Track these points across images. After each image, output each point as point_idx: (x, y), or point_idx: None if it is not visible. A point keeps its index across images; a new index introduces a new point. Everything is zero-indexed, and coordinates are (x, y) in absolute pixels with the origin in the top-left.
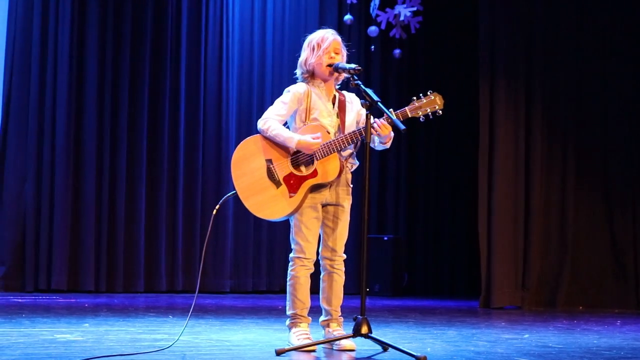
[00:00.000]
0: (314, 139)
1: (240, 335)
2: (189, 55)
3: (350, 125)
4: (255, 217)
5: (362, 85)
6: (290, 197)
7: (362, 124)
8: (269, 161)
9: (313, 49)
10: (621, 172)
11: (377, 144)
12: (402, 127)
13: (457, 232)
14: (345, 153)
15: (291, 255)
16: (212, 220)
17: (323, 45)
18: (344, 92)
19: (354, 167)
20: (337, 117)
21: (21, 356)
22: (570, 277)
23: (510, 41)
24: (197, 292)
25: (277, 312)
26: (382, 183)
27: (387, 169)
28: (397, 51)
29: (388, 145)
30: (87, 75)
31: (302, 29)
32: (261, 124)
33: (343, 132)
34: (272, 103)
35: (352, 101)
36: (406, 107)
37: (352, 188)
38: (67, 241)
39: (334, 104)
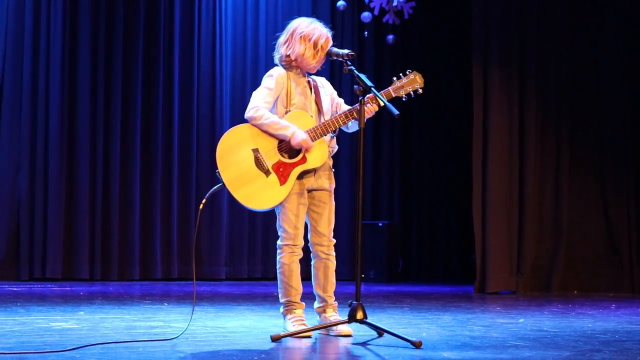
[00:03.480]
0: (304, 143)
1: (235, 322)
2: (182, 42)
3: (328, 109)
4: (246, 206)
5: (355, 71)
6: (281, 185)
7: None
8: (256, 150)
9: (314, 45)
10: (615, 157)
11: (350, 125)
12: (396, 112)
13: (451, 217)
14: (326, 138)
15: (279, 242)
16: (199, 215)
17: (320, 42)
18: (313, 77)
19: (334, 152)
20: (315, 103)
21: (16, 344)
22: (564, 261)
23: (504, 26)
24: (194, 283)
25: (272, 299)
26: (377, 169)
27: (381, 155)
28: (390, 37)
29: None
30: (79, 64)
31: (295, 15)
32: (252, 112)
33: (322, 116)
34: (256, 90)
35: (324, 85)
36: (389, 88)
37: (344, 173)
38: (62, 229)
39: (310, 89)
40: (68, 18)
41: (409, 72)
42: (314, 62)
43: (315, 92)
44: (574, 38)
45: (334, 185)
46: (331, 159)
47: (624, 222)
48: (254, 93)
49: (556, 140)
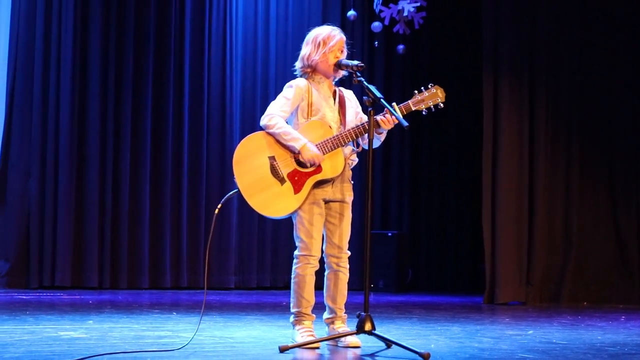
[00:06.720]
0: (316, 159)
1: (244, 332)
2: (192, 51)
3: (351, 121)
4: (259, 213)
5: (365, 82)
6: (296, 193)
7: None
8: (272, 158)
9: (318, 45)
10: (626, 167)
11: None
12: (405, 123)
13: (461, 227)
14: (347, 150)
15: (296, 252)
16: (214, 220)
17: (329, 43)
18: (341, 88)
19: (354, 164)
20: (339, 113)
21: (25, 354)
22: (574, 272)
23: (514, 36)
24: (205, 292)
25: (281, 309)
26: (386, 179)
27: (390, 165)
28: (400, 47)
29: (381, 140)
30: (90, 71)
31: (306, 24)
32: (266, 120)
33: (344, 128)
34: (275, 99)
35: (351, 99)
36: (409, 101)
37: (354, 184)
38: (71, 237)
39: (334, 99)
40: (79, 27)
41: (431, 85)
42: (322, 59)
43: (340, 103)
44: (585, 47)
45: (352, 198)
46: (351, 171)
47: (634, 233)
48: (273, 101)
49: (566, 151)
